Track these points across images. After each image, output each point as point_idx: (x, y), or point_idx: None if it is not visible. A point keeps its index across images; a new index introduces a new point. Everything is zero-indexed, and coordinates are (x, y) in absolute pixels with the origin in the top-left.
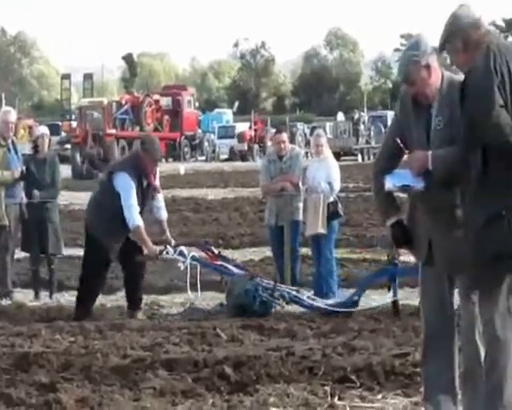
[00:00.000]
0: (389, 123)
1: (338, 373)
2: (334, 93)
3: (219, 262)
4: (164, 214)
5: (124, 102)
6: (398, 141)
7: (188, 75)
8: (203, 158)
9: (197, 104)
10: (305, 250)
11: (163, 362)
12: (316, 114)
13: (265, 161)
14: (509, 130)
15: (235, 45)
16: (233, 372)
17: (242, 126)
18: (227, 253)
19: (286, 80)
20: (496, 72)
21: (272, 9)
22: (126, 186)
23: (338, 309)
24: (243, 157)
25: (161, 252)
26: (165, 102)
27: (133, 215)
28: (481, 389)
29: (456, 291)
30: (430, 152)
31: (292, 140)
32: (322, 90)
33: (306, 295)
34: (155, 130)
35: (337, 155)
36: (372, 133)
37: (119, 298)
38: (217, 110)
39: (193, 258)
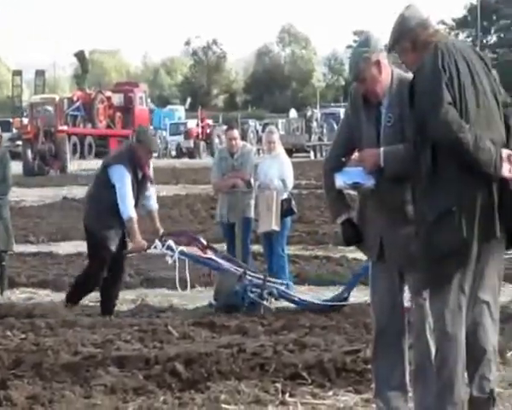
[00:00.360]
0: None
1: (289, 370)
2: (287, 90)
3: (208, 255)
4: (154, 205)
5: (76, 98)
6: (343, 160)
7: (140, 72)
8: (155, 155)
9: (149, 100)
10: (256, 247)
11: (114, 359)
12: (268, 110)
13: (217, 157)
14: (456, 127)
15: (187, 44)
16: (184, 369)
17: (194, 123)
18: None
19: (238, 77)
20: (444, 70)
21: (225, 6)
22: (122, 178)
23: (330, 303)
24: (190, 154)
25: (149, 246)
26: (118, 98)
27: (127, 207)
28: (432, 385)
29: (406, 288)
30: (382, 149)
31: (243, 137)
32: (274, 87)
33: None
34: (107, 127)
35: (289, 152)
36: (325, 130)
37: None
38: (169, 107)
39: (181, 252)
